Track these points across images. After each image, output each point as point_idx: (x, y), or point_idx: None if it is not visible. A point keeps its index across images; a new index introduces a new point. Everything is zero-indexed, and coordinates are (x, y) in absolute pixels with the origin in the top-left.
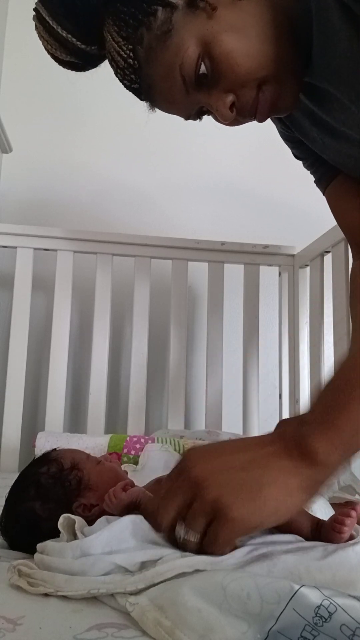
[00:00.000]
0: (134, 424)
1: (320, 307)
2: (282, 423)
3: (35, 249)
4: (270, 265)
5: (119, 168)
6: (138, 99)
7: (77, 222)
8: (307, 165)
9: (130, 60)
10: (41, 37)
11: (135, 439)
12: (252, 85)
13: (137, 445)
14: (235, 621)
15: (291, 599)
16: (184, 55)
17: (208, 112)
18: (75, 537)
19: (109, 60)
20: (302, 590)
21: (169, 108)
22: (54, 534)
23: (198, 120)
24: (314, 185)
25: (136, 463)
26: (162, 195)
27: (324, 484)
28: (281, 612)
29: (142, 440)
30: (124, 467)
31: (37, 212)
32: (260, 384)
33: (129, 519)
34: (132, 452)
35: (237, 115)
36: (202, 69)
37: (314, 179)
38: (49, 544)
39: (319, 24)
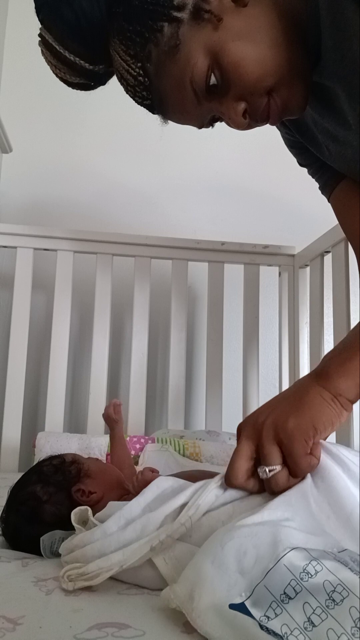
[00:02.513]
0: (134, 424)
1: (320, 307)
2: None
3: (35, 249)
4: (270, 265)
5: (119, 168)
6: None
7: (77, 222)
8: (312, 172)
9: (141, 77)
10: (49, 62)
11: (135, 439)
12: (263, 92)
13: (137, 445)
14: (225, 576)
15: (283, 556)
16: (193, 68)
17: (220, 119)
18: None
19: (117, 78)
20: (293, 550)
21: (181, 119)
22: (54, 519)
23: (211, 127)
24: (314, 185)
25: (136, 463)
26: (162, 195)
27: (347, 400)
28: (271, 568)
29: (142, 440)
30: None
31: (37, 212)
32: (260, 384)
33: (158, 479)
34: (132, 452)
35: (250, 121)
36: (213, 79)
37: (318, 186)
38: (76, 538)
39: (331, 19)
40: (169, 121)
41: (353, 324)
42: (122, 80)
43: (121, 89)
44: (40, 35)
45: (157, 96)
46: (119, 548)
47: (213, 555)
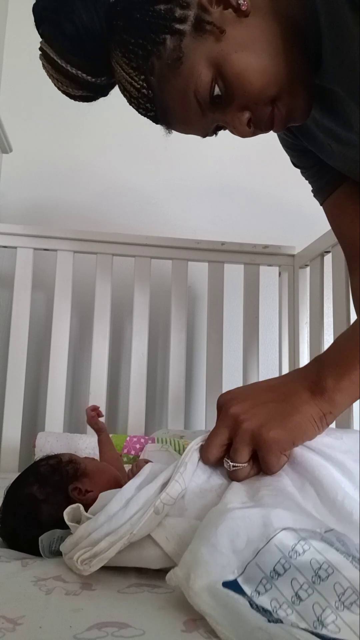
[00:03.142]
0: (134, 424)
1: (320, 307)
2: (312, 362)
3: (35, 249)
4: (270, 265)
5: (119, 168)
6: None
7: (77, 222)
8: (307, 175)
9: (144, 90)
10: (51, 76)
11: (135, 439)
12: (266, 102)
13: (137, 445)
14: (218, 556)
15: (274, 536)
16: (197, 80)
17: (224, 128)
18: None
19: (120, 90)
20: (283, 530)
21: (186, 130)
22: (52, 520)
23: (214, 135)
24: None
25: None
26: (162, 195)
27: (334, 415)
28: (262, 547)
29: (142, 440)
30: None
31: (37, 212)
32: None
33: (150, 464)
34: (132, 452)
35: (254, 129)
36: (216, 90)
37: (312, 189)
38: (79, 530)
39: (329, 23)
40: (173, 131)
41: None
42: (125, 92)
43: (118, 87)
44: (41, 49)
45: (161, 108)
46: (125, 522)
47: (207, 538)
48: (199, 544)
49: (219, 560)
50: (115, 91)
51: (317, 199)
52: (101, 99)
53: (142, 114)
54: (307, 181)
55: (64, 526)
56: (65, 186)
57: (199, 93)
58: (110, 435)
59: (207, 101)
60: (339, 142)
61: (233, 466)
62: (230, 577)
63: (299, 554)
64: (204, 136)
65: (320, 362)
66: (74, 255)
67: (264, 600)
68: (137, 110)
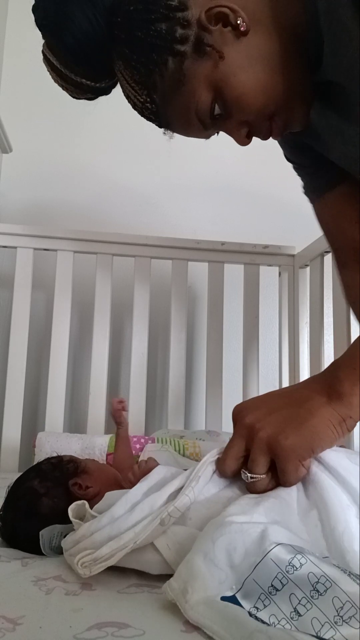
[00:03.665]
0: (134, 424)
1: (320, 307)
2: (328, 367)
3: (35, 249)
4: (270, 265)
5: (119, 168)
6: None
7: (77, 222)
8: (304, 172)
9: (148, 104)
10: (56, 81)
11: (135, 439)
12: (265, 118)
13: (137, 446)
14: (216, 571)
15: (270, 551)
16: (198, 102)
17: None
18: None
19: (124, 95)
20: (279, 546)
21: (188, 136)
22: (52, 513)
23: (216, 135)
24: None
25: (136, 462)
26: (162, 195)
27: (354, 420)
28: (259, 562)
29: (142, 440)
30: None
31: (37, 212)
32: (260, 384)
33: (157, 467)
34: (132, 452)
35: (253, 138)
36: (217, 110)
37: (303, 185)
38: (81, 529)
39: (328, 25)
40: (172, 134)
41: (353, 324)
42: (128, 98)
43: (121, 89)
44: (45, 56)
45: (164, 120)
46: (128, 529)
47: (205, 552)
48: (197, 556)
49: (216, 575)
50: (116, 91)
51: (308, 196)
52: (101, 100)
53: (145, 118)
54: (299, 177)
55: (65, 521)
56: (65, 186)
57: (199, 112)
58: (111, 436)
59: (208, 120)
60: (340, 136)
61: (251, 477)
62: (229, 593)
63: (296, 568)
64: (206, 139)
65: (336, 366)
66: (74, 255)
67: (263, 615)
68: (140, 115)
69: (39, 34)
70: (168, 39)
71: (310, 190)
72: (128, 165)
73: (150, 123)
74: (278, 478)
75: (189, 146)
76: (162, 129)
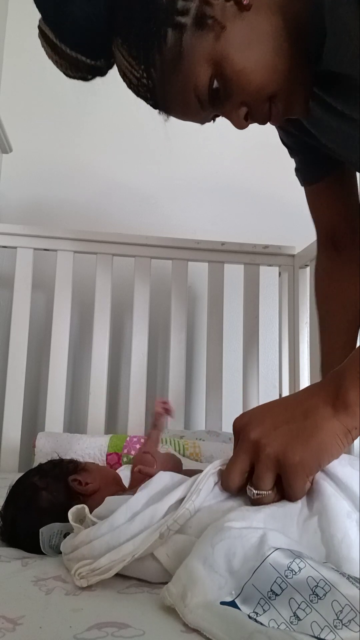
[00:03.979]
0: (134, 424)
1: None
2: (330, 375)
3: (35, 249)
4: (270, 265)
5: (119, 168)
6: (138, 99)
7: (77, 222)
8: (301, 159)
9: (144, 80)
10: (50, 57)
11: (135, 439)
12: (264, 99)
13: (137, 445)
14: (215, 576)
15: (268, 556)
16: (196, 77)
17: (220, 115)
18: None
19: (120, 74)
20: (277, 550)
21: (184, 119)
22: (51, 506)
23: (212, 122)
24: None
25: None
26: (162, 195)
27: (358, 430)
28: (258, 567)
29: (142, 440)
30: (124, 467)
31: (37, 212)
32: (260, 384)
33: (159, 474)
34: (132, 452)
35: (251, 122)
36: (215, 84)
37: (296, 167)
38: (80, 534)
39: (330, 20)
40: (172, 118)
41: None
42: (124, 77)
43: (121, 89)
44: (40, 29)
45: (161, 99)
46: (128, 539)
47: (204, 557)
48: (196, 562)
49: (216, 580)
50: (116, 91)
51: (300, 178)
52: (101, 100)
53: (140, 98)
54: (293, 159)
55: (63, 515)
56: (65, 186)
57: (197, 89)
58: (111, 436)
59: (206, 97)
60: (343, 121)
61: (257, 494)
62: (228, 599)
63: (295, 573)
64: (202, 123)
65: (340, 374)
66: (74, 255)
67: (262, 620)
68: (136, 95)
69: (38, 26)
70: (169, 11)
71: (302, 177)
72: (128, 165)
73: (149, 122)
74: (283, 492)
75: (189, 146)
76: (157, 110)
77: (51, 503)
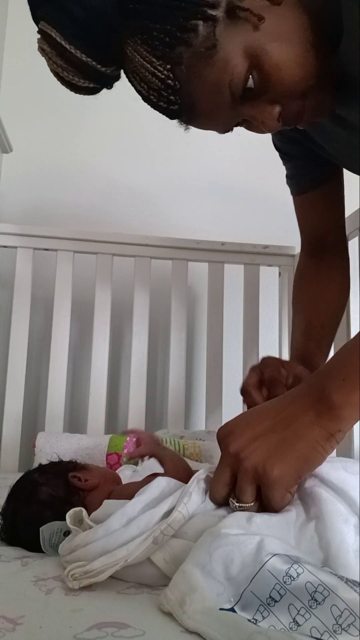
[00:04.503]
0: (134, 424)
1: None
2: (312, 377)
3: (35, 249)
4: (270, 265)
5: (119, 168)
6: (138, 99)
7: (77, 222)
8: (294, 165)
9: (170, 81)
10: (53, 63)
11: (135, 439)
12: (299, 95)
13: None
14: (214, 583)
15: (266, 562)
16: (233, 70)
17: (241, 124)
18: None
19: (136, 81)
20: (275, 556)
21: (209, 124)
22: (50, 499)
23: (230, 132)
24: None
25: (136, 464)
26: (162, 195)
27: (343, 433)
28: (256, 573)
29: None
30: (124, 467)
31: (37, 212)
32: None
33: (156, 479)
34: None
35: (282, 123)
36: (250, 82)
37: (287, 175)
38: (78, 538)
39: (347, 19)
40: (187, 126)
41: (353, 324)
42: (142, 83)
43: (121, 89)
44: (42, 32)
45: (187, 100)
46: (122, 545)
47: (202, 563)
48: (194, 568)
49: (214, 587)
50: (116, 91)
51: (294, 186)
52: (101, 99)
53: (161, 108)
54: (284, 166)
55: (62, 509)
56: (66, 186)
57: (233, 84)
58: (111, 436)
59: (241, 93)
60: (346, 129)
61: (239, 507)
62: (227, 606)
63: (294, 578)
64: (224, 132)
65: (323, 376)
66: (74, 255)
67: (262, 626)
68: (156, 103)
69: (35, 19)
70: (197, 3)
71: (297, 185)
72: (128, 165)
73: (150, 122)
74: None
75: (190, 146)
76: (178, 119)
77: (51, 497)
